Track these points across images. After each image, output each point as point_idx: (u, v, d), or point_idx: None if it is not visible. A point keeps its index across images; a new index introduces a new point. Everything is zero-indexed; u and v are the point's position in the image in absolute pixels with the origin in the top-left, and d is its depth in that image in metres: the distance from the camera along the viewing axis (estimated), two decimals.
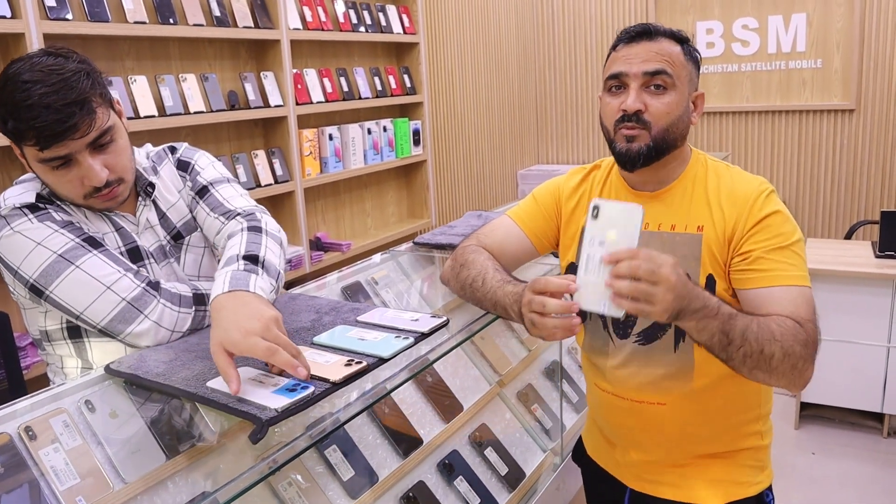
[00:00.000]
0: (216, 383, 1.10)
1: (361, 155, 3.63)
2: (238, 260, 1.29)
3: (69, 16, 2.35)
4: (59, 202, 1.35)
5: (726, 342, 1.14)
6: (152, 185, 1.46)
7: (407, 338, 1.24)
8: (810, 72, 4.62)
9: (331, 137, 3.42)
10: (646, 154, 1.33)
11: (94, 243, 1.31)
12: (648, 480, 1.48)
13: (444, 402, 1.75)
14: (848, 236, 4.10)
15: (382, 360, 1.17)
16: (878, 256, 3.32)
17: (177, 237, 1.50)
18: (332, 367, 1.13)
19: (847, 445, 3.24)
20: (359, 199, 3.88)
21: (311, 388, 1.05)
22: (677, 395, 1.40)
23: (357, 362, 1.14)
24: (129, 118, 2.52)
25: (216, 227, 1.48)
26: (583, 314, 1.41)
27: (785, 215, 1.32)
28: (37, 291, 1.30)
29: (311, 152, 3.31)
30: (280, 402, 1.01)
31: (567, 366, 2.18)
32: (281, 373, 1.12)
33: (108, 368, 1.22)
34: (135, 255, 1.41)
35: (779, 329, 1.17)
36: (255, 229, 1.40)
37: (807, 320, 1.21)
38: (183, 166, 1.53)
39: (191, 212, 1.52)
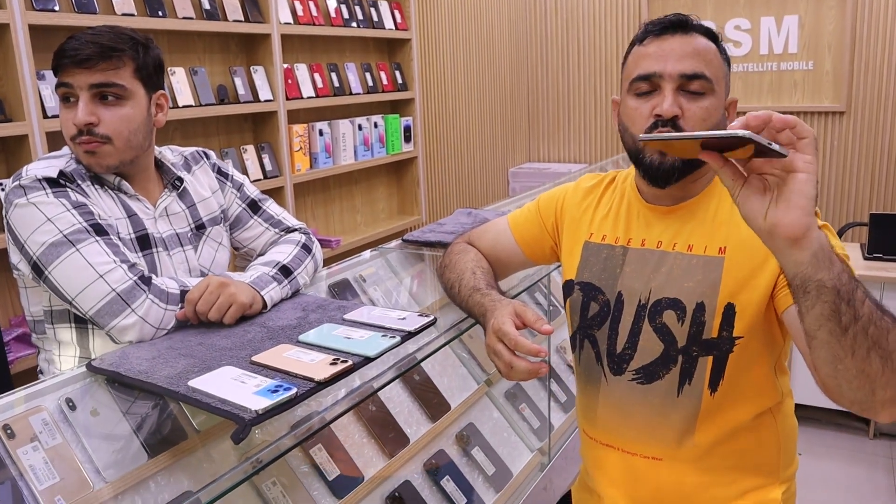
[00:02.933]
0: (198, 382, 1.08)
1: (352, 151, 3.60)
2: (275, 266, 1.50)
3: (56, 7, 2.32)
4: (79, 182, 1.39)
5: (853, 287, 0.84)
6: (181, 180, 1.55)
7: (394, 336, 1.23)
8: (802, 73, 4.63)
9: (321, 133, 3.40)
10: (681, 168, 1.16)
11: (99, 230, 1.33)
12: None
13: (432, 401, 1.74)
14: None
15: (368, 360, 1.16)
16: (866, 258, 3.33)
17: (199, 227, 1.57)
18: (317, 366, 1.11)
19: (834, 446, 3.25)
20: (349, 196, 3.85)
21: (294, 389, 1.03)
22: (677, 450, 1.20)
23: (343, 361, 1.13)
24: None
25: (272, 238, 1.67)
26: (573, 339, 1.34)
27: (833, 231, 1.14)
28: (38, 270, 1.32)
29: (300, 148, 3.29)
30: (262, 402, 0.99)
31: (555, 364, 2.17)
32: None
33: (89, 366, 1.21)
34: (144, 242, 1.45)
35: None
36: (307, 249, 1.61)
37: None
38: (223, 174, 1.67)
39: (224, 216, 1.64)
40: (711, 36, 1.20)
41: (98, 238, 1.32)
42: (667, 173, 1.16)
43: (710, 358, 1.17)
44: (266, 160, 3.13)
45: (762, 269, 1.12)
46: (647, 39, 1.20)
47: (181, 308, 1.35)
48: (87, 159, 1.40)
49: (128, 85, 1.39)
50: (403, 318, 1.31)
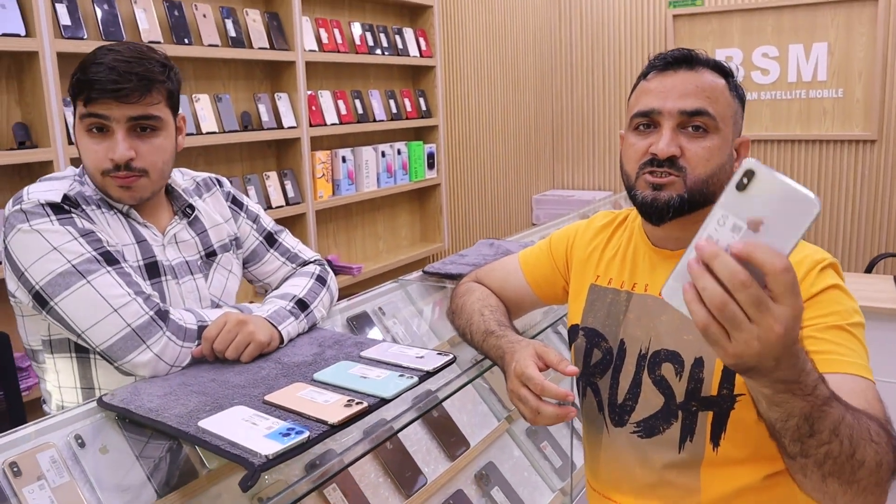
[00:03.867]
0: (209, 423, 1.05)
1: (374, 178, 3.60)
2: (292, 300, 1.46)
3: (84, 35, 2.34)
4: (83, 207, 1.32)
5: (807, 433, 0.79)
6: (192, 208, 1.50)
7: (411, 377, 1.19)
8: (831, 101, 4.56)
9: (344, 160, 3.39)
10: (677, 206, 1.10)
11: (110, 259, 1.27)
12: None
13: (450, 439, 1.70)
14: (868, 269, 4.01)
15: (384, 401, 1.12)
16: None
17: (210, 255, 1.51)
18: (331, 408, 1.08)
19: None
20: (371, 222, 3.84)
21: (307, 433, 1.00)
22: None
23: (357, 403, 1.09)
24: None
25: (288, 273, 1.63)
26: (578, 388, 1.27)
27: (844, 292, 1.07)
28: (41, 301, 1.25)
29: (323, 174, 3.28)
30: (273, 447, 0.96)
31: (577, 401, 2.12)
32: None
33: (100, 401, 1.18)
34: (152, 269, 1.39)
35: (875, 428, 0.83)
36: (321, 281, 1.57)
37: (888, 423, 0.89)
38: (236, 203, 1.62)
39: (235, 244, 1.58)
40: (722, 71, 1.15)
41: (109, 268, 1.26)
42: (661, 210, 1.10)
43: (711, 414, 1.11)
44: (289, 187, 3.12)
45: None
46: (650, 74, 1.16)
47: (198, 344, 1.31)
48: (120, 193, 1.34)
49: (163, 115, 1.35)
50: (422, 357, 1.28)
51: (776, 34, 4.65)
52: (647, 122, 1.14)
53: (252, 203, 1.66)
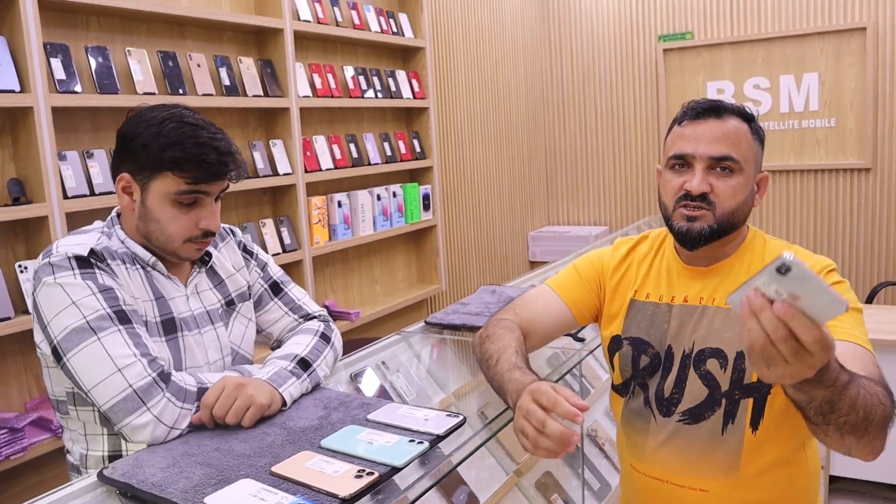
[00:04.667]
0: (215, 499, 1.01)
1: (371, 221, 3.58)
2: (293, 360, 1.44)
3: (78, 88, 2.33)
4: (108, 262, 1.35)
5: (829, 410, 0.99)
6: (209, 255, 1.53)
7: (421, 442, 1.16)
8: (824, 131, 4.58)
9: (340, 204, 3.38)
10: (707, 235, 1.31)
11: (123, 318, 1.29)
12: None
13: (460, 497, 1.65)
14: (869, 299, 4.00)
15: (396, 470, 1.09)
16: None
17: (229, 304, 1.54)
18: (340, 480, 1.04)
19: None
20: (367, 266, 3.81)
21: None
22: (722, 482, 1.32)
23: (368, 473, 1.06)
24: None
25: (290, 324, 1.62)
26: (624, 387, 1.44)
27: (847, 286, 1.29)
28: (57, 355, 1.29)
29: (319, 220, 3.26)
30: None
31: (587, 450, 2.08)
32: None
33: (100, 475, 1.14)
34: (169, 326, 1.41)
35: (881, 392, 1.05)
36: (325, 339, 1.56)
37: (887, 384, 1.11)
38: (248, 252, 1.64)
39: (250, 292, 1.61)
40: (746, 117, 1.34)
41: (121, 327, 1.28)
42: (694, 239, 1.31)
43: (751, 400, 1.30)
44: (285, 234, 3.10)
45: None
46: (684, 122, 1.35)
47: (197, 406, 1.29)
48: (192, 254, 1.43)
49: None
50: (428, 420, 1.24)
51: (766, 65, 4.69)
52: (682, 162, 1.33)
53: (262, 252, 1.68)
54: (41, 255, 1.35)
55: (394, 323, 3.79)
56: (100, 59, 2.42)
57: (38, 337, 1.35)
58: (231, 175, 1.40)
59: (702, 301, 1.36)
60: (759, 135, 1.35)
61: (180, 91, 2.64)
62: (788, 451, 1.33)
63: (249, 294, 1.60)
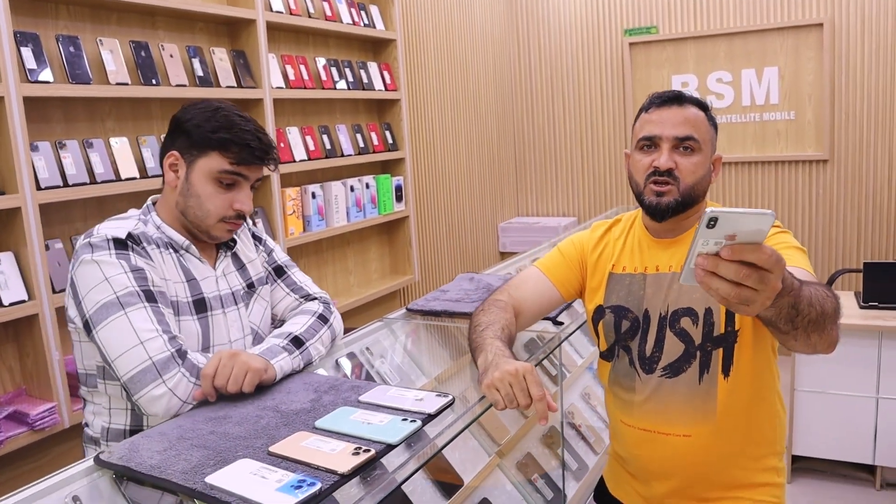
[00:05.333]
0: (216, 478, 1.04)
1: (344, 212, 3.59)
2: (287, 337, 1.51)
3: (49, 77, 2.30)
4: (144, 245, 1.47)
5: (794, 314, 1.12)
6: (234, 240, 1.65)
7: (414, 420, 1.19)
8: (784, 123, 4.71)
9: (314, 196, 3.39)
10: (674, 207, 1.49)
11: (150, 297, 1.40)
12: None
13: (445, 477, 1.69)
14: (829, 285, 4.12)
15: (391, 447, 1.12)
16: (862, 307, 3.33)
17: (250, 286, 1.66)
18: (338, 457, 1.07)
19: (840, 499, 3.21)
20: (341, 257, 3.82)
21: (318, 485, 0.99)
22: (703, 426, 1.48)
23: (365, 450, 1.09)
24: (109, 181, 2.46)
25: (292, 304, 1.71)
26: (609, 352, 1.60)
27: (788, 233, 1.50)
28: (88, 328, 1.40)
29: (293, 211, 3.27)
30: (287, 500, 0.95)
31: (565, 433, 2.13)
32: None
33: (97, 459, 1.15)
34: (200, 305, 1.52)
35: (823, 288, 1.20)
36: (323, 319, 1.64)
37: (826, 284, 1.28)
38: (257, 239, 1.76)
39: (266, 279, 1.71)
40: (702, 106, 1.54)
41: (147, 304, 1.38)
42: (663, 211, 1.50)
43: (721, 350, 1.47)
44: (260, 224, 3.10)
45: None
46: (651, 108, 1.54)
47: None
48: (225, 235, 1.55)
49: None
50: (421, 399, 1.28)
51: (729, 60, 4.79)
52: (650, 143, 1.52)
53: (270, 239, 1.81)
54: (83, 237, 1.46)
55: (368, 313, 3.81)
56: (71, 49, 2.39)
57: (73, 312, 1.45)
58: (270, 164, 1.54)
59: (671, 268, 1.53)
60: (713, 121, 1.56)
61: (153, 81, 2.62)
62: (757, 395, 1.50)
63: (266, 279, 1.71)
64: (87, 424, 1.56)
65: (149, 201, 1.60)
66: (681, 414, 1.50)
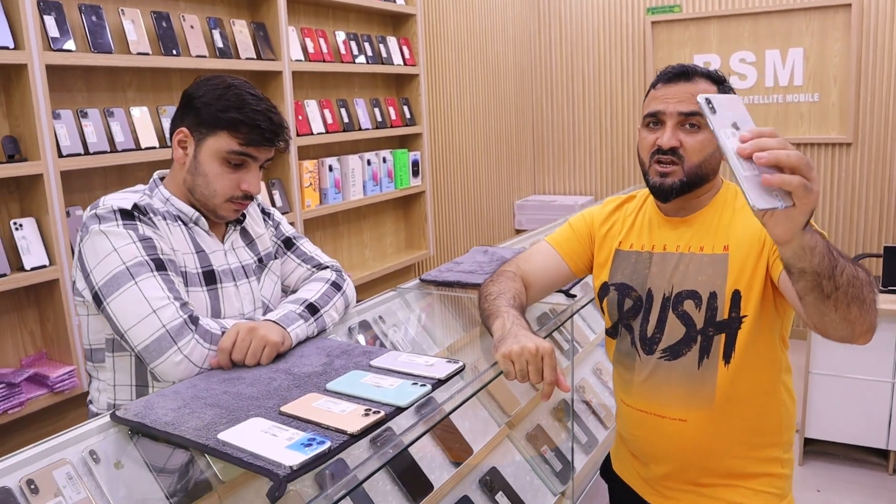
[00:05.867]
0: (228, 435, 1.06)
1: (361, 186, 3.60)
2: (302, 304, 1.53)
3: (72, 46, 2.32)
4: (151, 216, 1.46)
5: (833, 264, 1.04)
6: (244, 215, 1.64)
7: (424, 384, 1.21)
8: (808, 105, 4.65)
9: (331, 168, 3.40)
10: (678, 188, 1.43)
11: (159, 265, 1.40)
12: (668, 497, 1.53)
13: (454, 446, 1.71)
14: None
15: (400, 409, 1.13)
16: (881, 291, 3.31)
17: (260, 261, 1.65)
18: (348, 417, 1.09)
19: (852, 482, 3.20)
20: (357, 231, 3.84)
21: (328, 443, 1.01)
22: (698, 412, 1.44)
23: (375, 412, 1.10)
24: (129, 150, 2.49)
25: (304, 274, 1.72)
26: (613, 329, 1.59)
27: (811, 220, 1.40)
28: (98, 300, 1.39)
29: (310, 183, 3.29)
30: (296, 457, 0.97)
31: (575, 406, 2.15)
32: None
33: (113, 416, 1.18)
34: (209, 277, 1.52)
35: (854, 262, 1.11)
36: (336, 287, 1.65)
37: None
38: (265, 213, 1.75)
39: (275, 253, 1.72)
40: (715, 79, 1.46)
41: (157, 273, 1.38)
42: (667, 192, 1.44)
43: (723, 336, 1.42)
44: (276, 196, 3.12)
45: (758, 258, 1.38)
46: (658, 84, 1.47)
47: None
48: (231, 214, 1.54)
49: None
50: (431, 365, 1.29)
51: (753, 40, 4.73)
52: (655, 120, 1.45)
53: (277, 213, 1.80)
54: (89, 208, 1.45)
55: (383, 287, 3.83)
56: (93, 18, 2.41)
57: (81, 284, 1.44)
58: (279, 145, 1.51)
59: (678, 249, 1.48)
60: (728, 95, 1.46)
61: (174, 52, 2.64)
62: (758, 386, 1.45)
63: (275, 255, 1.71)
64: (91, 402, 1.56)
65: (155, 176, 1.58)
66: (677, 398, 1.46)
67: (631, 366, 1.54)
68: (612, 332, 1.60)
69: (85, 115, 2.40)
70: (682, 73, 1.44)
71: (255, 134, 1.46)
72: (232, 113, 1.45)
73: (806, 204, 0.95)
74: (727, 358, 1.42)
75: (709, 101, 0.99)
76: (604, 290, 1.59)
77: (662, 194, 1.45)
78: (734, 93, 1.44)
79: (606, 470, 1.73)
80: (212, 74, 1.53)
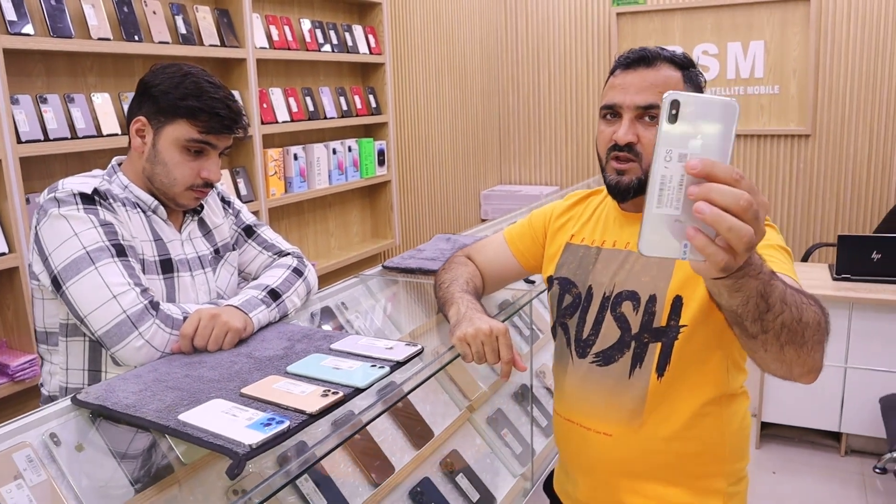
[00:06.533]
0: (189, 416, 1.07)
1: (326, 175, 3.60)
2: (264, 290, 1.53)
3: (30, 30, 2.30)
4: (111, 201, 1.45)
5: (764, 308, 0.89)
6: (201, 206, 1.63)
7: (382, 367, 1.23)
8: (768, 97, 4.74)
9: (296, 157, 3.40)
10: (636, 187, 1.29)
11: (120, 251, 1.39)
12: None
13: (415, 429, 1.74)
14: (805, 258, 4.20)
15: (359, 390, 1.16)
16: (835, 279, 3.40)
17: (217, 252, 1.65)
18: (307, 398, 1.11)
19: (806, 464, 3.30)
20: (322, 220, 3.85)
21: (287, 423, 1.03)
22: (626, 428, 1.31)
23: (333, 392, 1.12)
24: (90, 136, 2.47)
25: (266, 261, 1.72)
26: (555, 328, 1.47)
27: (774, 228, 1.29)
28: (56, 284, 1.38)
29: (275, 172, 3.28)
30: (255, 436, 0.99)
31: (535, 389, 2.19)
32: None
33: (74, 399, 1.19)
34: (166, 266, 1.52)
35: (806, 295, 0.97)
36: (298, 273, 1.66)
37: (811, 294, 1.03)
38: (225, 202, 1.74)
39: (235, 243, 1.71)
40: (680, 64, 1.30)
41: (117, 259, 1.38)
42: (624, 191, 1.31)
43: (659, 344, 1.29)
44: (241, 185, 3.11)
45: None
46: (616, 71, 1.32)
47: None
48: (191, 202, 1.54)
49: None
50: (391, 348, 1.32)
51: (715, 32, 4.81)
52: (612, 112, 1.31)
53: (238, 201, 1.79)
54: (46, 191, 1.43)
55: (348, 275, 3.84)
56: (52, 2, 2.38)
57: (38, 268, 1.42)
58: (238, 133, 1.52)
59: (627, 246, 1.36)
60: (694, 82, 1.31)
61: (136, 38, 2.62)
62: (696, 408, 1.29)
63: (234, 245, 1.71)
64: (42, 385, 1.55)
65: (113, 161, 1.57)
66: (605, 409, 1.33)
67: (564, 370, 1.42)
68: (553, 331, 1.49)
69: (45, 101, 2.37)
70: (643, 59, 1.28)
71: (214, 122, 1.46)
72: (190, 101, 1.44)
73: (722, 269, 0.80)
74: (661, 370, 1.29)
75: (675, 104, 0.78)
76: (549, 284, 1.49)
77: (619, 194, 1.32)
78: (703, 78, 1.33)
79: (548, 486, 1.61)
80: (167, 62, 1.52)
